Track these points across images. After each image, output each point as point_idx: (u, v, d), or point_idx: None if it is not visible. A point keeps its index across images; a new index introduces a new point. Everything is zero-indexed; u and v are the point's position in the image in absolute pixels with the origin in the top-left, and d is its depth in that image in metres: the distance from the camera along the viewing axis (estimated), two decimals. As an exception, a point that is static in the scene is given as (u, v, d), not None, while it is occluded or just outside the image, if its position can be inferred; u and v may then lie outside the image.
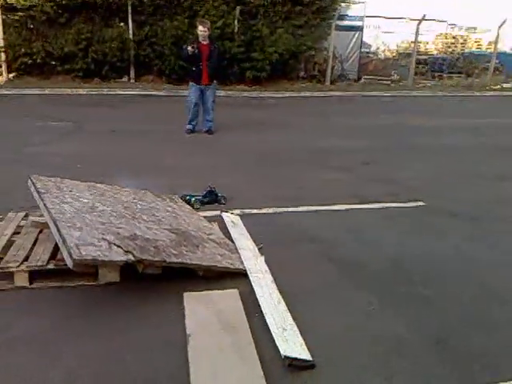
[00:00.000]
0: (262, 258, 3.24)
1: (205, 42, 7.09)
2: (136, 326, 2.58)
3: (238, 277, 3.03)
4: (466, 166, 6.16)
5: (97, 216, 3.11)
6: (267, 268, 3.13)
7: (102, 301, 2.79)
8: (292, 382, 2.23)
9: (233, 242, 3.50)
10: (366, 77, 16.24)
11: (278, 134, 7.59)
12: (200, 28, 7.10)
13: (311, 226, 4.03)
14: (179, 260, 2.83)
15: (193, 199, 4.30)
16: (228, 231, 3.73)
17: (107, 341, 2.46)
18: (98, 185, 3.84)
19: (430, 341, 2.56)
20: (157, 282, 2.91)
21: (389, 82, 16.08)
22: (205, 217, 3.99)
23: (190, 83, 7.37)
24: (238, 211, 4.25)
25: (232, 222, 3.93)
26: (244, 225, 3.91)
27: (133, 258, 2.66)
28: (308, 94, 12.76)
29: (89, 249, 2.59)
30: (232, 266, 3.05)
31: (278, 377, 2.24)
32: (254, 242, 3.57)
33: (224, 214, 4.07)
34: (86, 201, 3.35)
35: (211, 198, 4.41)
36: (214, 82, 7.34)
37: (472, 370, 2.36)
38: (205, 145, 6.81)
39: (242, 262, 3.15)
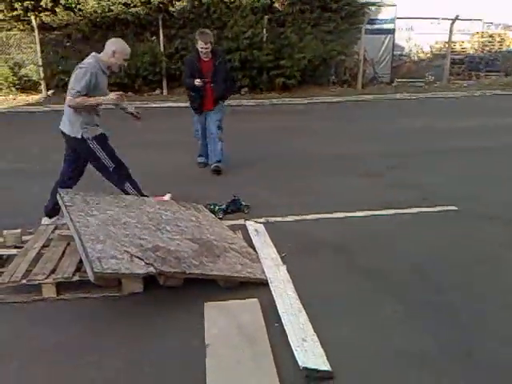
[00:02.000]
0: (284, 268, 3.22)
1: (206, 59, 5.39)
2: (156, 336, 2.61)
3: (258, 286, 3.02)
4: (499, 168, 5.93)
5: (121, 228, 3.18)
6: (289, 277, 3.11)
7: (124, 311, 2.85)
8: (310, 393, 2.20)
9: (255, 250, 3.50)
10: (398, 79, 15.97)
11: (305, 140, 7.55)
12: (201, 45, 5.27)
13: (335, 233, 3.97)
14: (199, 271, 2.85)
15: (216, 208, 4.33)
16: (251, 240, 3.74)
17: (127, 351, 2.50)
18: (125, 196, 3.93)
19: (454, 354, 2.47)
20: (179, 291, 2.95)
21: (422, 84, 15.75)
22: (229, 225, 4.02)
23: (192, 112, 5.77)
24: (262, 219, 4.25)
25: (255, 230, 3.93)
26: (267, 233, 3.91)
27: (154, 271, 2.70)
28: (339, 99, 12.64)
29: (110, 262, 2.65)
30: (253, 276, 3.05)
31: (296, 388, 2.22)
32: (277, 250, 3.56)
33: (248, 223, 4.08)
34: (111, 213, 3.43)
35: (234, 207, 4.43)
36: (221, 102, 5.64)
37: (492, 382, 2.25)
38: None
39: (263, 272, 3.15)
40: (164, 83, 13.50)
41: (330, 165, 6.09)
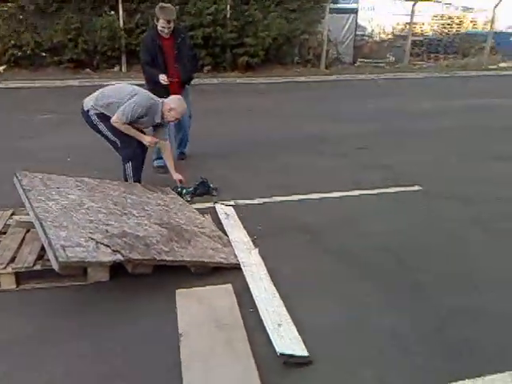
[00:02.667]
0: (256, 251, 3.16)
1: (167, 36, 4.69)
2: (126, 326, 2.51)
3: (231, 271, 2.96)
4: (463, 147, 6.06)
5: (84, 213, 3.02)
6: (261, 261, 3.06)
7: (91, 301, 2.71)
8: (288, 379, 2.17)
9: (226, 234, 3.42)
10: (361, 60, 16.05)
11: (269, 120, 7.46)
12: (162, 23, 4.58)
13: (306, 214, 3.94)
14: (170, 258, 2.75)
15: (184, 191, 4.21)
16: (221, 223, 3.65)
17: (96, 343, 2.38)
18: (87, 179, 3.75)
19: (426, 332, 2.50)
20: (148, 279, 2.84)
21: (384, 65, 15.90)
22: (198, 209, 3.91)
23: None
24: (231, 202, 4.16)
25: (225, 213, 3.84)
26: (237, 216, 3.83)
27: (121, 258, 2.57)
28: (302, 78, 12.58)
29: (75, 250, 2.50)
30: (225, 261, 2.97)
31: (274, 374, 2.17)
32: (248, 233, 3.50)
33: (217, 206, 3.98)
34: (73, 197, 3.26)
35: (203, 190, 4.32)
36: (187, 86, 4.97)
37: (467, 361, 2.29)
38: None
39: (235, 256, 3.08)
40: (123, 60, 13.01)
41: (298, 145, 6.04)
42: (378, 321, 2.58)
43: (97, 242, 2.65)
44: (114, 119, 3.88)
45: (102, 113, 3.97)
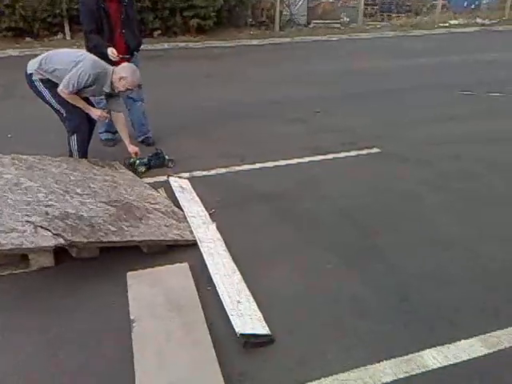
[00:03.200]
0: (214, 225, 3.00)
1: None
2: (74, 314, 2.31)
3: (187, 248, 2.79)
4: (421, 108, 6.03)
5: (21, 194, 2.75)
6: (219, 235, 2.90)
7: (34, 289, 2.49)
8: (248, 360, 2.05)
9: (181, 209, 3.22)
10: (315, 21, 15.75)
11: (224, 86, 7.18)
12: None
13: (264, 183, 3.80)
14: (118, 238, 2.54)
15: (137, 162, 3.96)
16: (176, 198, 3.45)
17: (40, 333, 2.18)
18: (25, 156, 3.44)
19: (391, 300, 2.43)
20: (97, 262, 2.63)
21: (338, 26, 15.68)
22: (150, 183, 3.69)
23: None
24: (186, 174, 3.95)
25: (180, 186, 3.64)
26: (193, 189, 3.64)
27: (63, 242, 2.35)
28: (256, 42, 12.21)
29: (10, 236, 2.26)
30: (180, 238, 2.79)
31: (234, 357, 2.05)
32: (205, 207, 3.32)
33: (171, 179, 3.76)
34: (9, 177, 2.97)
35: (158, 162, 4.08)
36: (136, 54, 4.40)
37: (430, 326, 2.25)
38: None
39: (191, 232, 2.90)
40: (66, 26, 12.21)
41: (254, 111, 5.82)
42: (338, 290, 2.50)
43: (35, 226, 2.41)
44: (59, 89, 3.57)
45: (47, 78, 3.64)
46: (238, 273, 2.51)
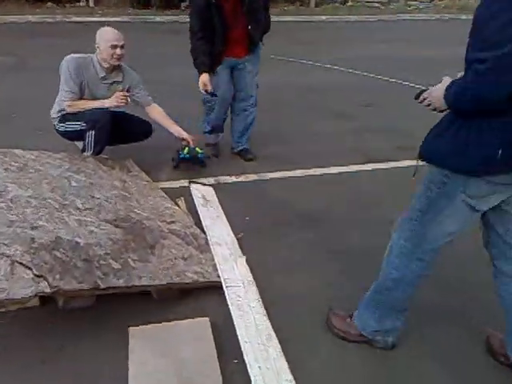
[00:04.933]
0: (243, 260, 2.36)
1: None
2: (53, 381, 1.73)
3: (209, 292, 2.17)
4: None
5: (4, 210, 2.15)
6: (250, 275, 2.27)
7: (8, 339, 1.91)
8: None
9: (203, 230, 2.60)
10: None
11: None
12: None
13: (304, 198, 3.14)
14: (121, 282, 1.92)
15: (200, 153, 3.36)
16: (197, 212, 2.83)
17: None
18: (19, 151, 2.84)
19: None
20: (91, 308, 2.04)
21: (378, 5, 14.67)
22: (167, 190, 3.07)
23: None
24: (211, 179, 3.33)
25: (203, 197, 3.01)
26: (219, 200, 3.02)
27: (47, 290, 1.74)
28: (291, 18, 11.38)
29: (-28, 279, 1.67)
30: (201, 278, 2.16)
31: None
32: (232, 227, 2.69)
33: (193, 186, 3.14)
34: (-7, 181, 2.38)
35: (194, 160, 3.39)
36: (260, 45, 3.44)
37: None
38: (157, 85, 5.69)
39: (215, 267, 2.28)
40: (90, -7, 11.60)
41: (294, 102, 5.12)
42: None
43: (12, 261, 1.81)
44: (65, 105, 3.09)
45: (59, 112, 3.18)
46: (275, 341, 1.88)
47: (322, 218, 2.91)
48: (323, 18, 12.03)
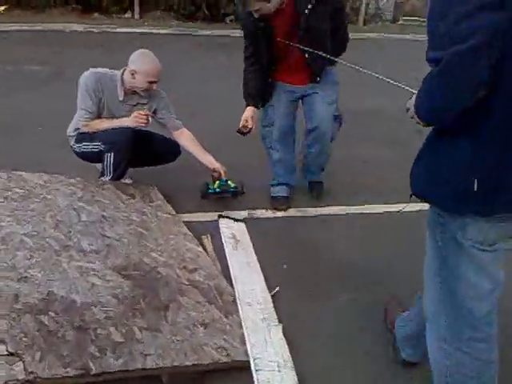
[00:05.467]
0: (279, 329, 1.88)
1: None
2: None
3: (234, 376, 1.69)
4: None
5: (-9, 252, 1.77)
6: (288, 353, 1.78)
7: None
8: None
9: (231, 281, 2.14)
10: (405, 17, 14.16)
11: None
12: None
13: (357, 244, 2.63)
14: (120, 364, 1.46)
15: (230, 186, 2.92)
16: (225, 255, 2.38)
17: None
18: (27, 175, 2.49)
19: None
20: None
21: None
22: (192, 224, 2.64)
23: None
24: (244, 213, 2.88)
25: (233, 236, 2.57)
26: (251, 239, 2.56)
27: (21, 377, 1.32)
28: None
29: None
30: (224, 357, 1.68)
31: None
32: (266, 278, 2.22)
33: (222, 222, 2.70)
34: (-12, 213, 2.01)
35: (225, 189, 2.94)
36: (329, 69, 2.77)
37: None
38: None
39: (242, 338, 1.80)
40: (136, 5, 11.52)
41: (344, 126, 4.62)
42: None
43: (-16, 330, 1.41)
44: (81, 125, 2.73)
45: (76, 131, 2.81)
46: None
47: (379, 272, 2.39)
48: (374, 35, 11.53)
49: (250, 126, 2.69)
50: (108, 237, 2.14)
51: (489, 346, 1.25)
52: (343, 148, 3.76)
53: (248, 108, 2.71)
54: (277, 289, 2.17)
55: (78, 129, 2.74)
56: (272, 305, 2.03)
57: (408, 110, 1.24)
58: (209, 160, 2.85)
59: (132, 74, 2.66)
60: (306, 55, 2.54)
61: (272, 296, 2.11)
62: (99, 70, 2.74)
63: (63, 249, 1.93)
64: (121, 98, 2.73)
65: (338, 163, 3.53)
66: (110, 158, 2.71)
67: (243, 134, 2.72)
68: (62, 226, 2.10)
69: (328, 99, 2.73)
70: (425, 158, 1.20)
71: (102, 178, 2.78)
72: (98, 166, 2.88)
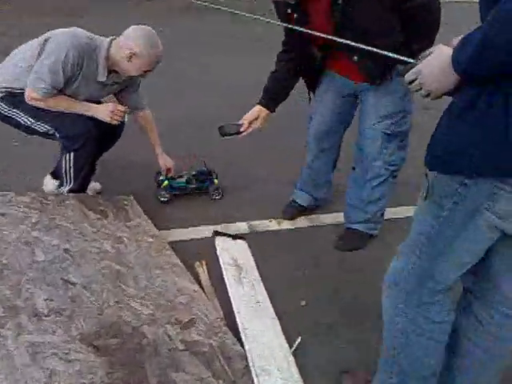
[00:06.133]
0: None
1: None
2: None
3: None
4: None
5: None
6: None
7: None
8: None
9: (238, 337, 1.64)
10: None
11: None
12: None
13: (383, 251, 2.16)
14: None
15: (165, 183, 2.48)
16: (226, 288, 1.88)
17: None
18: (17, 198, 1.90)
19: None
20: None
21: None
22: (182, 243, 2.13)
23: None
24: (243, 225, 2.37)
25: (234, 260, 2.06)
26: (256, 263, 2.06)
27: None
28: None
29: None
30: None
31: None
32: (282, 323, 1.73)
33: (218, 241, 2.17)
34: None
35: (198, 186, 2.55)
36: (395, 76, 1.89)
37: None
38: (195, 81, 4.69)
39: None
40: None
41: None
42: None
43: None
44: (27, 94, 2.05)
45: (9, 91, 2.11)
46: None
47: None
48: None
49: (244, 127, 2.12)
50: (72, 283, 1.60)
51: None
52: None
53: (255, 107, 2.13)
54: (298, 340, 1.68)
55: (20, 89, 2.09)
56: (296, 369, 1.54)
57: (412, 81, 1.04)
58: (158, 150, 2.50)
59: (129, 57, 2.06)
60: (355, 57, 1.86)
61: (294, 351, 1.63)
62: (83, 38, 2.06)
63: (8, 313, 1.39)
64: (101, 79, 2.13)
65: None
66: (68, 160, 2.13)
67: (232, 134, 2.14)
68: (9, 274, 1.55)
69: (380, 112, 1.98)
70: (471, 118, 0.98)
71: (61, 189, 2.20)
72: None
